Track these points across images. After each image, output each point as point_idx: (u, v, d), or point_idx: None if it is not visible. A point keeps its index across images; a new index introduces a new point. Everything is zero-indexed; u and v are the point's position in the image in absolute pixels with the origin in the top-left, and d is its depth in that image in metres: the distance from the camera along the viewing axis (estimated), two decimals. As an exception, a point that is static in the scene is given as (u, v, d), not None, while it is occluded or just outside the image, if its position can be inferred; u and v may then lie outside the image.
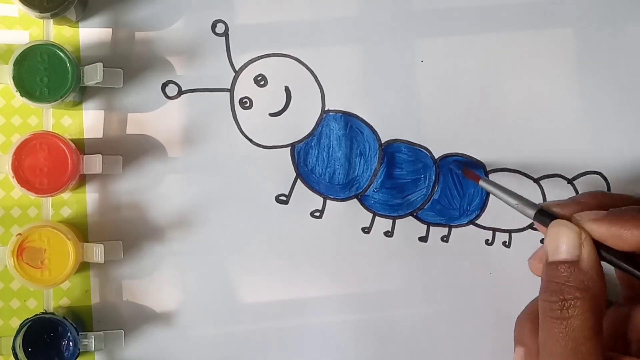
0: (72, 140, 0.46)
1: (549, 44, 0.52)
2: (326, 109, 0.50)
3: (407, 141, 0.51)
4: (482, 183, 0.48)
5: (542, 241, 0.52)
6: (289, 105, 0.50)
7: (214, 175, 0.50)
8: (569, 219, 0.42)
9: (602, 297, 0.41)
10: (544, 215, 0.43)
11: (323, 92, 0.50)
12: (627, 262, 0.41)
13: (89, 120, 0.49)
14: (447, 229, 0.51)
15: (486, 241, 0.52)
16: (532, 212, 0.44)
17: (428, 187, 0.51)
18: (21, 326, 0.45)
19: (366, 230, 0.51)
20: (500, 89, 0.52)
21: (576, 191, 0.52)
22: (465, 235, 0.52)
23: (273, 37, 0.50)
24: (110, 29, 0.49)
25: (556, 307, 0.40)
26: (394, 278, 0.51)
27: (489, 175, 0.52)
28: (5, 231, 0.48)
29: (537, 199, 0.52)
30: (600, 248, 0.41)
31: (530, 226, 0.52)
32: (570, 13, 0.52)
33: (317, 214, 0.50)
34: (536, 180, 0.52)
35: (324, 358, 0.50)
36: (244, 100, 0.50)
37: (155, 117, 0.49)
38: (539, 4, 0.52)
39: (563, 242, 0.41)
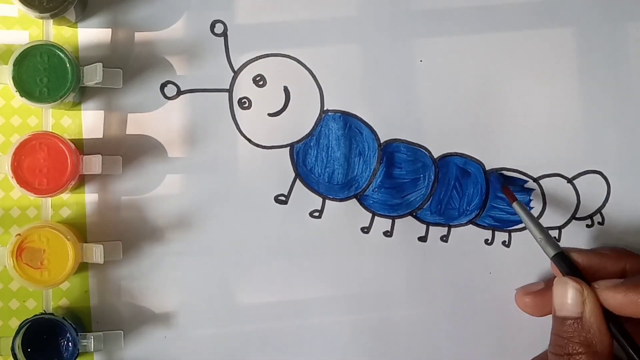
0: (71, 140, 0.46)
1: (548, 43, 0.52)
2: (325, 108, 0.50)
3: (406, 141, 0.51)
4: (515, 205, 0.49)
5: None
6: (287, 105, 0.50)
7: (213, 176, 0.50)
8: (584, 271, 0.44)
9: (605, 353, 0.41)
10: (562, 259, 0.46)
11: (322, 92, 0.50)
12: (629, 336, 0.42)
13: (88, 121, 0.49)
14: (446, 228, 0.51)
15: (486, 241, 0.52)
16: (552, 252, 0.46)
17: (427, 187, 0.51)
18: (20, 327, 0.45)
19: (365, 230, 0.51)
20: (500, 89, 0.52)
21: (576, 191, 0.52)
22: (464, 235, 0.51)
23: (272, 37, 0.50)
24: (109, 30, 0.49)
25: None
26: (394, 278, 0.51)
27: (489, 175, 0.52)
28: (4, 232, 0.48)
29: (537, 198, 0.52)
30: (610, 320, 0.42)
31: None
32: (569, 13, 0.52)
33: (316, 214, 0.50)
34: (536, 180, 0.52)
35: (324, 358, 0.50)
36: (242, 101, 0.50)
37: (154, 117, 0.49)
38: (539, 3, 0.52)
39: (567, 298, 0.43)
